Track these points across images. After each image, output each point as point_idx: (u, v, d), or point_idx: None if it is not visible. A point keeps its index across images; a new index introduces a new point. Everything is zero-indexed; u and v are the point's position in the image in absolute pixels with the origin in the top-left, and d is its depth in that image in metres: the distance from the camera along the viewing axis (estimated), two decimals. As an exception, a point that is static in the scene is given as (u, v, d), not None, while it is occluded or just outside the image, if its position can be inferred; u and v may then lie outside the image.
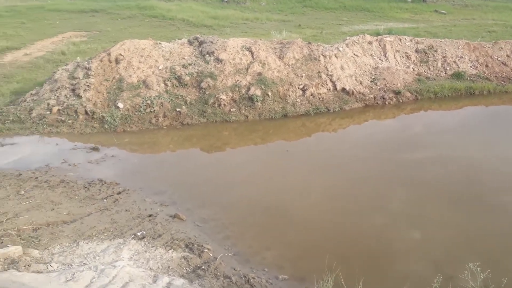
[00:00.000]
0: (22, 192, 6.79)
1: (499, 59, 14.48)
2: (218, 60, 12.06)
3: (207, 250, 5.56)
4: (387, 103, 12.14)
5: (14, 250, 4.82)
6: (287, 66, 12.42)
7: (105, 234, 5.76)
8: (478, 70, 14.01)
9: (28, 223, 5.73)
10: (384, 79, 12.80)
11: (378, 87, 12.57)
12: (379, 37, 14.57)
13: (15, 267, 4.57)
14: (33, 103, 10.77)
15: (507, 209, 6.87)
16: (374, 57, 13.60)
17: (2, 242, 5.09)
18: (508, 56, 14.60)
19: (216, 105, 11.11)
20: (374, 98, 12.20)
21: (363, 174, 8.18)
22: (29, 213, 6.04)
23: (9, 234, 5.31)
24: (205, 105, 11.10)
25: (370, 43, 13.90)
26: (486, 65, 14.23)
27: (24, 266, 4.65)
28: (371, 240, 6.17)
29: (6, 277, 4.26)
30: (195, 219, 6.49)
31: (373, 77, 12.85)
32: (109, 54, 11.88)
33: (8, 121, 10.14)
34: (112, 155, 8.84)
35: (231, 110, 11.12)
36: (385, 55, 13.72)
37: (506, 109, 12.21)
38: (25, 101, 10.99)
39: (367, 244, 6.07)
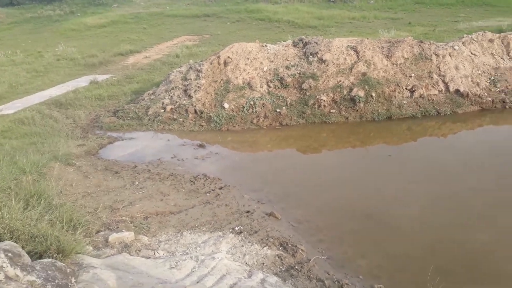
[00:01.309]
0: (137, 183, 7.60)
1: None
2: (321, 60, 12.02)
3: (300, 251, 5.61)
4: (507, 107, 10.85)
5: (128, 236, 5.44)
6: (394, 65, 11.85)
7: (207, 226, 6.16)
8: None
9: (140, 212, 6.41)
10: (506, 80, 11.47)
11: (498, 89, 11.31)
12: (502, 34, 13.11)
13: (127, 251, 5.15)
14: (150, 102, 11.96)
15: None
16: (495, 57, 12.26)
17: (117, 227, 5.78)
18: None
19: (316, 106, 11.09)
20: (493, 101, 11.00)
21: (472, 185, 7.45)
22: (142, 202, 6.74)
23: (124, 221, 6.01)
24: (305, 106, 11.15)
25: (491, 41, 12.56)
26: None
27: (135, 251, 5.22)
28: (477, 258, 5.62)
29: (120, 260, 4.83)
30: (290, 219, 6.58)
31: (492, 78, 11.61)
32: (218, 57, 12.62)
33: (128, 118, 11.44)
34: (216, 152, 9.40)
35: (331, 111, 11.00)
36: (508, 54, 12.29)
37: None
38: (143, 100, 12.28)
39: (472, 262, 5.55)
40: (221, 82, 12.04)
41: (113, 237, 5.34)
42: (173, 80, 12.46)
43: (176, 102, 11.63)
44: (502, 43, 12.56)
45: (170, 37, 23.47)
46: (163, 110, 11.47)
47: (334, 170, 8.57)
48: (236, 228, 6.08)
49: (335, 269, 5.42)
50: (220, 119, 10.89)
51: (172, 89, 12.15)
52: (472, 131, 10.32)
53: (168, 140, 10.33)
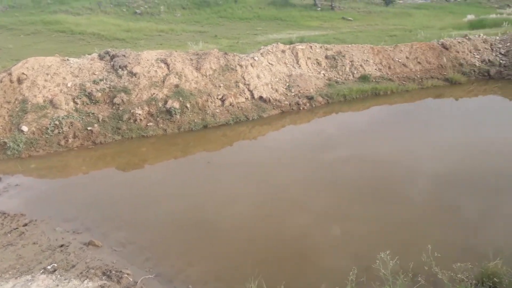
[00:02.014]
0: None
1: (399, 60, 15.76)
2: (131, 73, 11.68)
3: (126, 275, 5.30)
4: (301, 108, 12.61)
5: None
6: (204, 77, 12.39)
7: (10, 273, 5.25)
8: (382, 72, 15.13)
9: None
10: (298, 85, 13.29)
11: (293, 94, 13.03)
12: (291, 45, 15.12)
13: None
14: None
15: (414, 200, 7.43)
16: (288, 65, 14.08)
17: None
18: (407, 57, 15.94)
19: (132, 121, 10.73)
20: (290, 104, 12.61)
21: (285, 178, 8.39)
22: None
23: None
24: (120, 121, 10.66)
25: (283, 51, 14.37)
26: (389, 67, 15.42)
27: None
28: (294, 242, 6.31)
29: None
30: (112, 243, 6.16)
31: (287, 84, 13.29)
32: (10, 74, 10.96)
33: None
34: (16, 183, 8.12)
35: (148, 124, 10.81)
36: (297, 62, 14.27)
37: (408, 106, 13.30)
38: None
39: (291, 247, 6.20)
40: (16, 102, 10.49)
41: None
42: (-50, 104, 10.25)
43: (-44, 129, 9.61)
44: (292, 53, 14.50)
45: None
46: None
47: (157, 184, 8.42)
48: (49, 267, 5.36)
49: (164, 285, 5.32)
50: (18, 145, 9.45)
51: (-51, 114, 9.99)
52: (277, 131, 11.58)
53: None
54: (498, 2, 48.18)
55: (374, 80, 14.59)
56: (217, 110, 11.72)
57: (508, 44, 17.00)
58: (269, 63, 13.69)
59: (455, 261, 4.90)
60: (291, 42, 17.94)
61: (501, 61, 16.28)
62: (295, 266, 5.78)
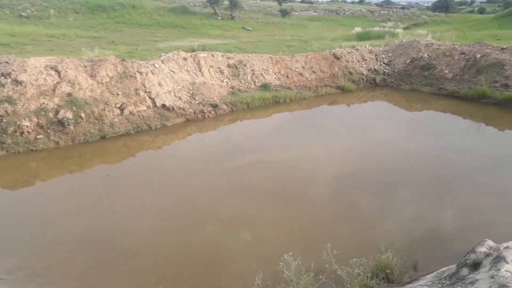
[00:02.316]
0: None
1: (296, 70, 16.66)
2: (16, 82, 10.59)
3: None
4: (206, 116, 12.62)
5: None
6: (100, 84, 11.72)
7: None
8: (281, 81, 15.85)
9: None
10: (202, 93, 13.29)
11: (197, 102, 12.98)
12: (193, 53, 15.08)
13: None
14: None
15: (315, 200, 7.85)
16: (191, 73, 14.00)
17: None
18: (303, 67, 16.93)
19: (18, 134, 9.71)
20: (194, 112, 12.54)
21: (192, 187, 8.27)
22: None
23: None
24: (3, 135, 9.58)
25: (185, 59, 14.25)
26: (287, 76, 16.21)
27: None
28: (203, 252, 6.22)
29: None
30: (-3, 272, 5.47)
31: (191, 92, 13.20)
32: None
33: None
34: None
35: (38, 137, 9.88)
36: (200, 70, 14.27)
37: (306, 113, 14.11)
38: None
39: (199, 257, 6.10)
40: None
41: None
42: None
43: None
44: (194, 61, 14.45)
45: None
46: None
47: (52, 202, 7.68)
48: None
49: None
50: None
51: None
52: (183, 140, 11.39)
53: None
54: (381, 16, 53.94)
55: (274, 89, 15.21)
56: (116, 120, 11.15)
57: (390, 54, 19.04)
58: (170, 70, 13.46)
59: (353, 257, 5.24)
60: (193, 50, 17.90)
61: (385, 70, 18.15)
62: (204, 276, 5.70)
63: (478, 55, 16.03)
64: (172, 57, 14.00)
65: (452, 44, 18.14)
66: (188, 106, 12.68)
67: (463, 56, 16.55)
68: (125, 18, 30.90)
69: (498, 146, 10.70)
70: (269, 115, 13.52)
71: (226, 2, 38.80)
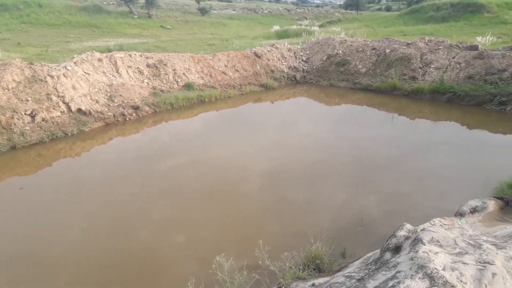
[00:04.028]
0: None
1: (219, 69, 16.63)
2: None
3: None
4: (127, 119, 12.10)
5: None
6: (6, 90, 10.70)
7: None
8: (205, 80, 15.71)
9: None
10: (121, 95, 12.71)
11: (116, 104, 12.38)
12: (109, 53, 14.35)
13: None
14: None
15: (248, 197, 7.90)
16: (107, 74, 13.32)
17: None
18: (225, 66, 16.94)
19: None
20: (114, 115, 11.95)
21: (119, 193, 7.86)
22: None
23: None
24: None
25: (100, 60, 13.52)
26: (210, 75, 16.11)
27: None
28: (136, 260, 5.94)
29: None
30: None
31: (109, 94, 12.56)
32: None
33: None
34: None
35: None
36: (117, 71, 13.63)
37: (232, 111, 14.16)
38: None
39: (132, 266, 5.82)
40: None
41: None
42: None
43: None
44: (111, 62, 13.76)
45: None
46: None
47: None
48: None
49: None
50: None
51: None
52: (104, 145, 10.80)
53: None
54: (297, 14, 55.88)
55: (198, 88, 15.03)
56: (26, 128, 10.26)
57: (308, 52, 19.78)
58: (85, 72, 12.69)
59: (284, 251, 5.31)
60: (109, 50, 17.07)
61: (304, 67, 18.81)
62: (135, 284, 5.47)
63: (388, 50, 17.26)
64: (86, 58, 13.20)
65: (364, 40, 19.34)
66: (106, 109, 12.05)
67: (374, 51, 17.71)
68: (31, 18, 28.51)
69: (412, 134, 11.60)
70: (195, 114, 13.33)
71: (142, 1, 37.52)
